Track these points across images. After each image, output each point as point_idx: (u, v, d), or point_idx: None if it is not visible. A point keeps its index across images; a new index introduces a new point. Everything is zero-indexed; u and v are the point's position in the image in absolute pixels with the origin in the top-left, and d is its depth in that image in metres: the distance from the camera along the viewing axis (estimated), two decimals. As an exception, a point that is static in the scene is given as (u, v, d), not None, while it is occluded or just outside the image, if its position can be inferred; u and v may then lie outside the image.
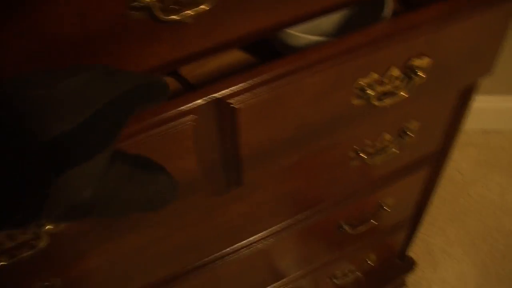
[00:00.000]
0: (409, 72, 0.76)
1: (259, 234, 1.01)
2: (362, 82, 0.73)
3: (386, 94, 0.77)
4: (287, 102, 0.68)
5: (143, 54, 0.60)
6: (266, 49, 0.86)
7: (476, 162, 1.96)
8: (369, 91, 0.74)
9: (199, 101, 0.64)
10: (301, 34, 0.77)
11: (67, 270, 0.80)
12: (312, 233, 1.13)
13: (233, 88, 0.64)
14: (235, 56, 0.88)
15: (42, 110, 0.40)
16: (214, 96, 0.64)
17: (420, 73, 0.76)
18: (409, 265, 1.60)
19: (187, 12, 0.57)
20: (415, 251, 1.75)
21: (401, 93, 0.78)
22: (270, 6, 0.64)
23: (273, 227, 1.02)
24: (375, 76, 0.73)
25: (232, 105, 0.64)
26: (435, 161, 1.16)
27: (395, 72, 0.75)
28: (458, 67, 0.83)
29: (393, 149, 0.98)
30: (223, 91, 0.64)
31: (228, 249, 1.00)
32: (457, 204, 1.87)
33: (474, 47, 0.82)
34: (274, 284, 1.25)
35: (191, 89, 0.84)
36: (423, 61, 0.76)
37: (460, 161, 1.95)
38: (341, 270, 1.37)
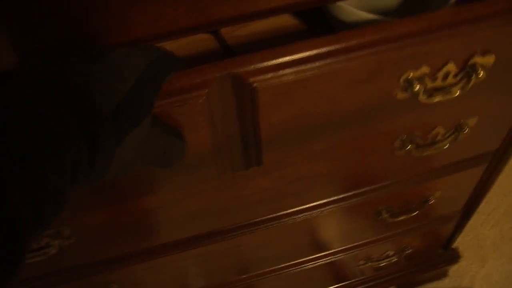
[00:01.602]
0: (469, 69, 0.66)
1: (286, 211, 0.95)
2: (411, 74, 0.64)
3: (437, 90, 0.68)
4: (315, 87, 0.61)
5: (153, 18, 0.53)
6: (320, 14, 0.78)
7: (550, 157, 1.80)
8: (417, 87, 0.65)
9: (215, 75, 0.57)
10: (351, 9, 0.68)
11: (74, 220, 0.77)
12: (347, 217, 1.06)
13: (255, 66, 0.57)
14: (283, 19, 0.80)
15: (100, 84, 0.47)
16: (232, 72, 0.57)
17: (481, 72, 0.66)
18: (453, 257, 1.51)
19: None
20: (465, 241, 1.65)
21: (456, 91, 0.68)
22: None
23: (301, 207, 0.95)
24: (426, 70, 0.64)
25: (251, 85, 0.57)
26: (495, 160, 1.05)
27: (452, 68, 0.65)
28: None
29: (446, 144, 0.88)
30: (243, 68, 0.57)
31: (251, 221, 0.95)
32: (520, 198, 1.74)
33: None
34: (303, 259, 1.20)
35: (228, 51, 0.77)
36: (487, 59, 0.66)
37: (532, 153, 1.80)
38: (377, 254, 1.30)
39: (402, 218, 1.10)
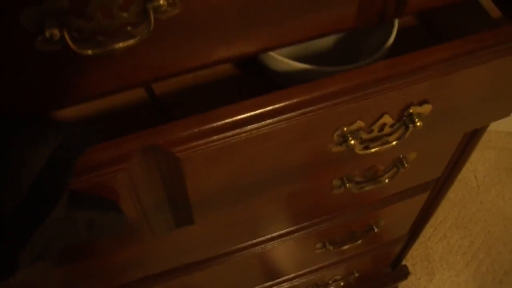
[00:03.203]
0: (406, 119, 0.63)
1: (221, 252, 0.91)
2: (345, 129, 0.61)
3: (374, 141, 0.65)
4: (244, 151, 0.57)
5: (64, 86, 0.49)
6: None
7: (494, 167, 1.81)
8: (352, 141, 0.61)
9: (134, 148, 0.52)
10: (281, 58, 0.65)
11: None
12: (287, 250, 1.02)
13: (177, 135, 0.53)
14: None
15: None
16: (153, 144, 0.53)
17: (419, 122, 0.63)
18: (402, 274, 1.50)
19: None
20: (413, 256, 1.65)
21: (393, 141, 0.65)
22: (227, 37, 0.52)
23: (238, 247, 0.91)
24: (361, 124, 0.61)
25: (174, 155, 0.53)
26: (438, 186, 1.04)
27: (388, 119, 0.63)
28: (470, 111, 0.71)
29: (386, 179, 0.86)
30: (164, 138, 0.53)
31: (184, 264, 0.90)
32: (466, 210, 1.74)
33: (492, 90, 0.68)
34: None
35: (155, 101, 0.73)
36: (424, 108, 0.63)
37: (477, 164, 1.81)
38: (323, 280, 1.27)
39: (346, 247, 1.07)
